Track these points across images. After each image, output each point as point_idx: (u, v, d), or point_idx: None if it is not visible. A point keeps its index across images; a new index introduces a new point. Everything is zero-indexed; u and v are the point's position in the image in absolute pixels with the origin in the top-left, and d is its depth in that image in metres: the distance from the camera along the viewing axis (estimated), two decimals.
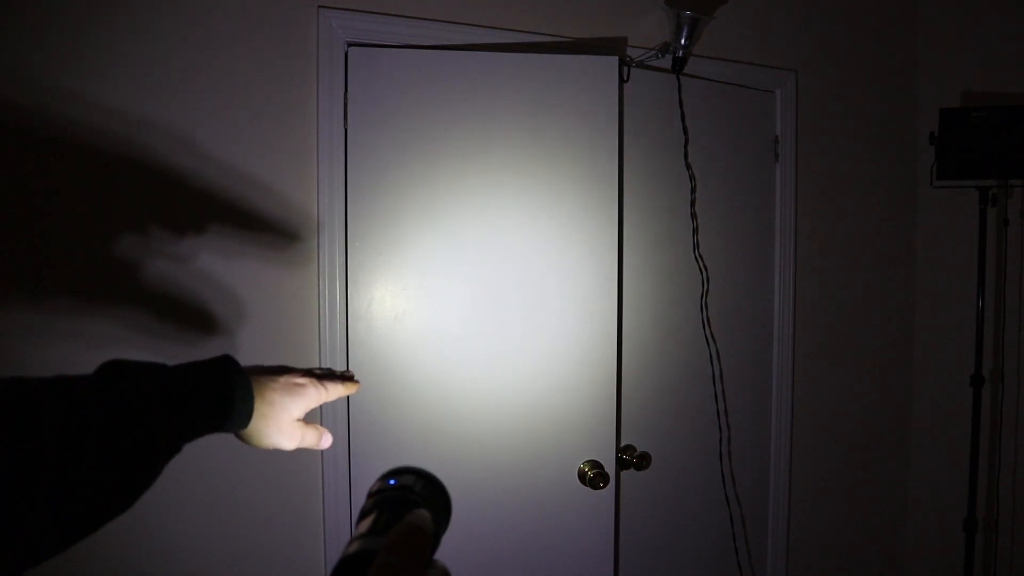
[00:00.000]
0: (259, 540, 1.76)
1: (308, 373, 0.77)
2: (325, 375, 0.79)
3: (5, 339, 1.52)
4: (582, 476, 1.91)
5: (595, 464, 1.92)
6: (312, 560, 1.81)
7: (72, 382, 0.54)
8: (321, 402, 0.76)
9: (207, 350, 1.69)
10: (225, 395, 0.65)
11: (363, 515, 0.46)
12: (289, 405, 0.71)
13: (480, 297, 1.86)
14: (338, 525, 1.82)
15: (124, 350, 1.60)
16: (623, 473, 2.07)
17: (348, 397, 1.79)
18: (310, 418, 0.75)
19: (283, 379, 0.72)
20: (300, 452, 1.87)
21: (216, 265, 1.70)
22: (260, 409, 0.68)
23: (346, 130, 1.79)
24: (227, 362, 0.67)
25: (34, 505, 0.46)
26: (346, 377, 0.81)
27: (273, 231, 1.75)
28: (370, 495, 0.49)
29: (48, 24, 1.52)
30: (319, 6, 1.76)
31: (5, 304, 1.51)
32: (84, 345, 1.56)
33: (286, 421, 0.71)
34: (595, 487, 1.89)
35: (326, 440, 0.77)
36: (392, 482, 0.49)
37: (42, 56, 1.52)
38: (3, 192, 1.51)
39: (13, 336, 1.52)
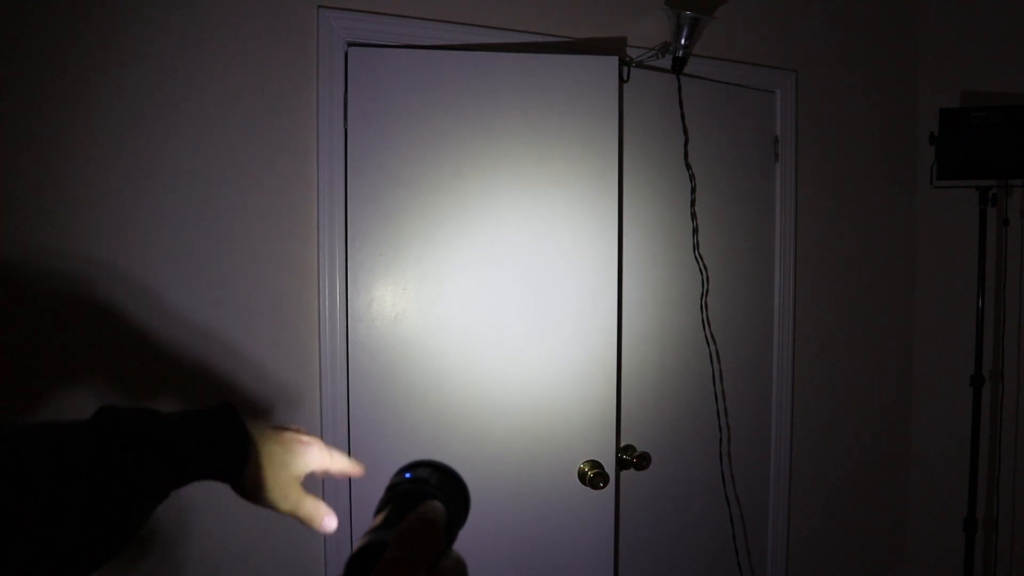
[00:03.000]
0: (258, 538, 1.76)
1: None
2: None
3: None
4: (582, 476, 1.91)
5: (595, 464, 1.92)
6: (312, 558, 1.81)
7: (61, 429, 0.53)
8: (324, 468, 0.71)
9: (207, 352, 1.69)
10: (218, 444, 0.62)
11: (378, 510, 0.46)
12: (288, 461, 0.67)
13: (480, 297, 1.86)
14: (338, 524, 1.81)
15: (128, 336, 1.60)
16: (623, 473, 2.07)
17: (348, 395, 1.79)
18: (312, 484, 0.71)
19: (288, 434, 0.69)
20: None
21: (216, 266, 1.70)
22: (256, 460, 0.65)
23: (346, 130, 1.79)
24: (224, 411, 0.65)
25: (20, 552, 0.45)
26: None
27: (273, 230, 1.75)
28: (386, 490, 0.48)
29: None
30: (319, 6, 1.76)
31: None
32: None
33: (284, 478, 0.66)
34: (595, 487, 1.89)
35: (329, 522, 0.69)
36: (407, 476, 0.49)
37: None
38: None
39: None
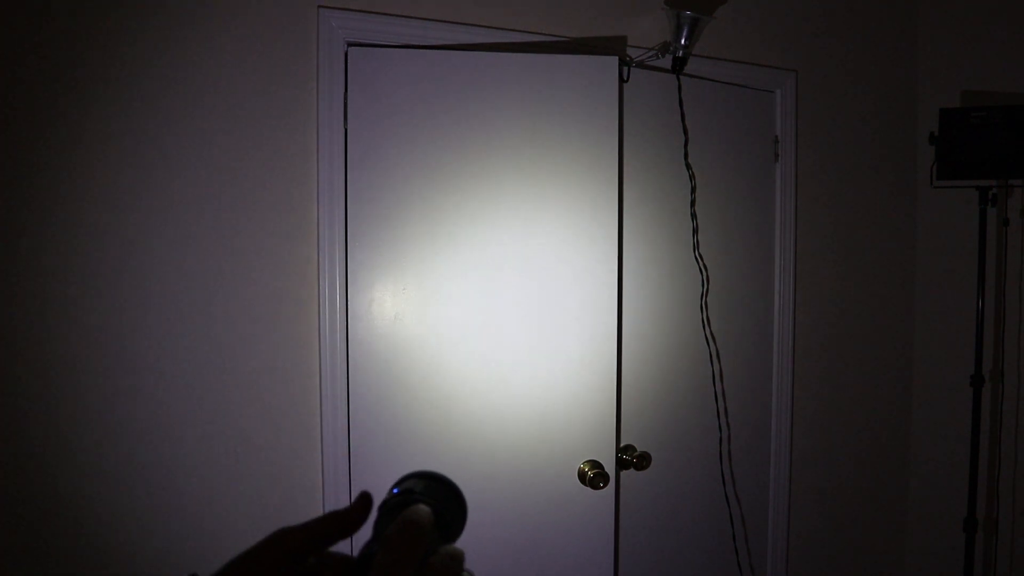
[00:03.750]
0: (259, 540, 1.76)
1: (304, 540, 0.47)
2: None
3: None
4: (582, 476, 1.91)
5: (595, 464, 1.92)
6: None
7: None
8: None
9: (207, 351, 1.69)
10: None
11: (373, 529, 0.48)
12: None
13: (480, 297, 1.86)
14: None
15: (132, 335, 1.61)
16: (623, 473, 2.07)
17: (348, 395, 1.79)
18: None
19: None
20: (299, 452, 1.86)
21: (216, 266, 1.70)
22: None
23: (346, 130, 1.79)
24: None
25: None
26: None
27: (273, 230, 1.75)
28: (378, 508, 0.50)
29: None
30: (319, 6, 1.76)
31: None
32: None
33: None
34: (595, 487, 1.89)
35: None
36: (395, 491, 0.51)
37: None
38: None
39: None
